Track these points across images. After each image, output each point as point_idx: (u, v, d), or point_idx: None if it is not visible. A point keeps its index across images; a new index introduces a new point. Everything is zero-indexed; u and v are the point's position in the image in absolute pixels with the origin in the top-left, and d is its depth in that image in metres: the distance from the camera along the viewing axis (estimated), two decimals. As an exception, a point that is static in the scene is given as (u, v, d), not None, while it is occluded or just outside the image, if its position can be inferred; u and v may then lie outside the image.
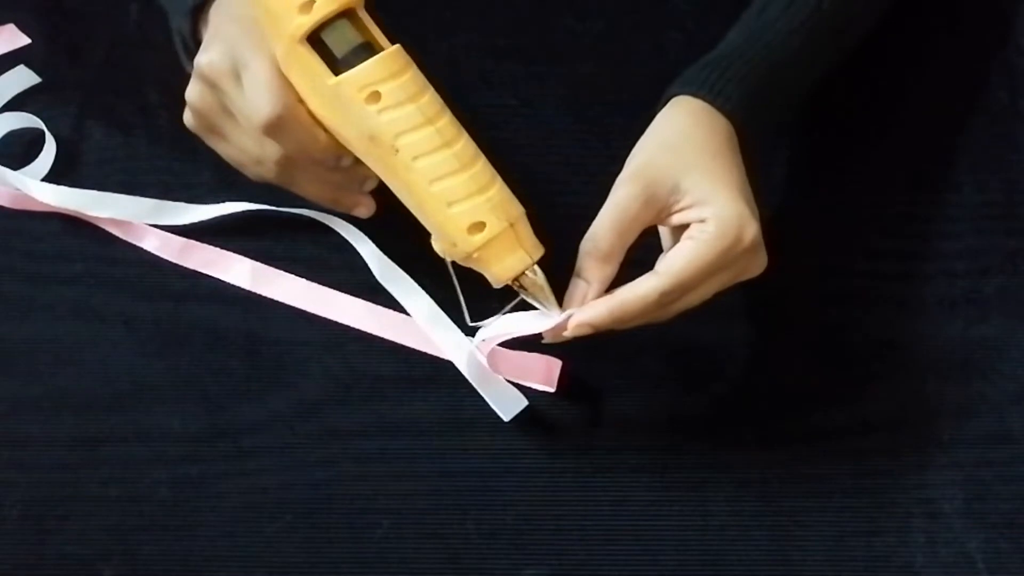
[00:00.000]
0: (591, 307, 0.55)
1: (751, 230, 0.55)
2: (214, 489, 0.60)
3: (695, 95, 0.59)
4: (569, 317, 0.55)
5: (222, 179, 0.70)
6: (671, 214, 0.56)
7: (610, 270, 0.55)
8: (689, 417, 0.62)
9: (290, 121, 0.57)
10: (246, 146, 0.61)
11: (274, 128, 0.57)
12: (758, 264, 0.57)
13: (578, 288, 0.56)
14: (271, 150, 0.60)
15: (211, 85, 0.59)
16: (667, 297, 0.54)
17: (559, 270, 0.57)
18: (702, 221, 0.55)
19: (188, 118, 0.62)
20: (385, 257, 0.66)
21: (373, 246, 0.66)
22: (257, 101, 0.57)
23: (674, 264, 0.54)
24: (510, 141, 0.71)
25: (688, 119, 0.58)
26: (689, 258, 0.54)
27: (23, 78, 0.75)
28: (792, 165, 0.71)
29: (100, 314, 0.66)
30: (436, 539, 0.58)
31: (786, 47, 0.62)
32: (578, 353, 0.63)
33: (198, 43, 0.62)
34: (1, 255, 0.68)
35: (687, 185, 0.55)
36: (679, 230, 0.56)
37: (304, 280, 0.66)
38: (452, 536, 0.58)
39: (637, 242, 0.56)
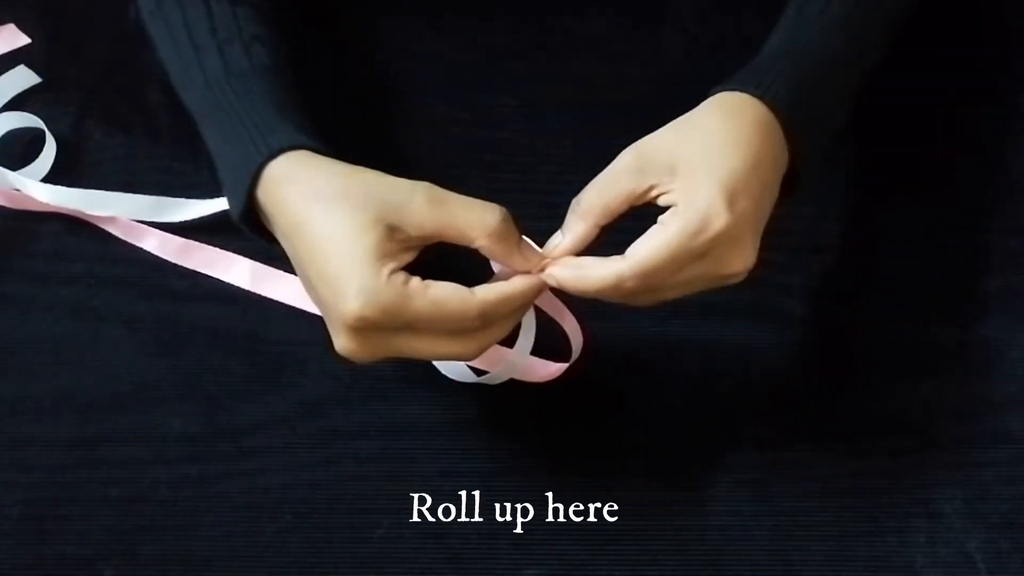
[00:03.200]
0: (559, 263, 0.54)
1: (720, 221, 0.52)
2: (214, 489, 0.60)
3: (732, 89, 0.57)
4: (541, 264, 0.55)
5: (222, 179, 0.70)
6: (660, 194, 0.54)
7: (583, 228, 0.54)
8: (689, 417, 0.62)
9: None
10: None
11: (485, 320, 0.53)
12: (740, 262, 0.54)
13: (552, 238, 0.55)
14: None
15: (374, 328, 0.53)
16: (626, 282, 0.53)
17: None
18: (676, 206, 0.53)
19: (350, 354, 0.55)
20: None
21: None
22: (456, 313, 0.53)
23: (637, 251, 0.53)
24: (510, 141, 0.71)
25: (713, 107, 0.57)
26: (652, 245, 0.53)
27: (23, 78, 0.75)
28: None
29: (100, 314, 0.66)
30: (436, 539, 0.58)
31: (829, 44, 0.61)
32: (579, 353, 0.63)
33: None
34: (1, 255, 0.68)
35: (681, 168, 0.54)
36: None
37: (304, 280, 0.66)
38: (452, 536, 0.58)
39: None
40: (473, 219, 0.53)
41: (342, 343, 0.53)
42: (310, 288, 0.55)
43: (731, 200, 0.53)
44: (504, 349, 0.59)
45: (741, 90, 0.57)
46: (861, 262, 0.68)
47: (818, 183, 0.70)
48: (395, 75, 0.75)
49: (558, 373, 0.62)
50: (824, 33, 0.62)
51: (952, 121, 0.74)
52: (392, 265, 0.52)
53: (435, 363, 0.63)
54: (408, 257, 0.53)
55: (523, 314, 0.56)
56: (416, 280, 0.52)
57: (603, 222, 0.55)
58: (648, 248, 0.53)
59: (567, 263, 0.54)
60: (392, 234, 0.52)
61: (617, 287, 0.53)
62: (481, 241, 0.53)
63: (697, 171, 0.54)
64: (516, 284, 0.54)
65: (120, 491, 0.60)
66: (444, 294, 0.52)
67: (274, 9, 0.65)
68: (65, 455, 0.61)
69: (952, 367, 0.64)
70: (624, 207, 0.55)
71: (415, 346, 0.53)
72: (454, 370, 0.62)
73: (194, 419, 0.62)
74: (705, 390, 0.63)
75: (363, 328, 0.52)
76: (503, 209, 0.53)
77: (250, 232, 0.58)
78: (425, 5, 0.78)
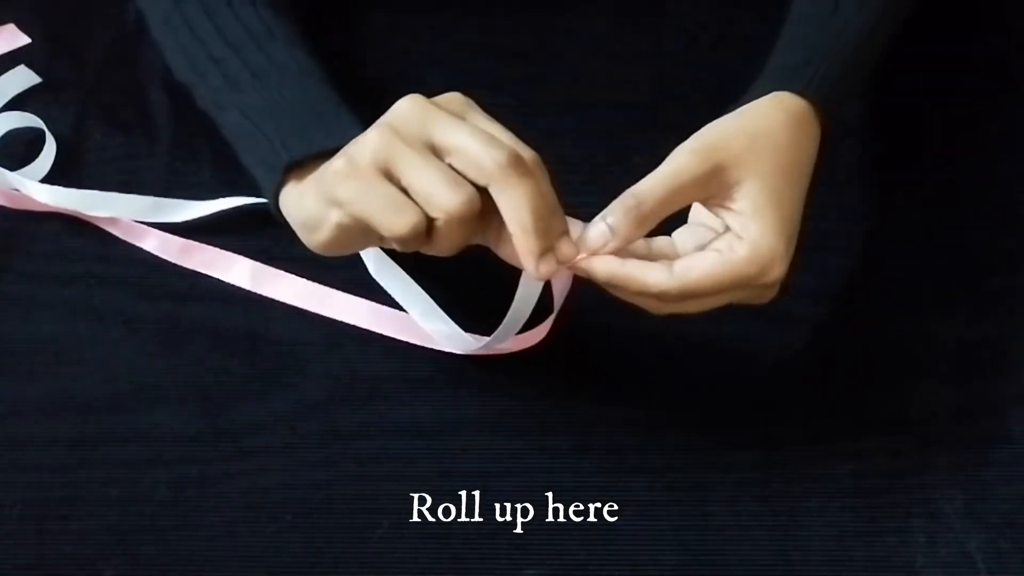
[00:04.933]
0: (600, 259, 0.53)
1: (778, 269, 0.53)
2: (214, 489, 0.60)
3: (799, 93, 0.57)
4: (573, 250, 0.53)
5: (222, 178, 0.71)
6: (719, 206, 0.54)
7: (640, 233, 0.53)
8: (689, 417, 0.62)
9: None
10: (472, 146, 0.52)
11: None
12: (767, 298, 0.56)
13: (601, 234, 0.53)
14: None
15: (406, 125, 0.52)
16: (667, 297, 0.53)
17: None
18: (739, 238, 0.53)
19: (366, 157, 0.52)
20: (383, 253, 0.66)
21: None
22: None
23: (690, 272, 0.53)
24: (510, 141, 0.71)
25: (784, 121, 0.56)
26: (706, 272, 0.53)
27: (23, 78, 0.75)
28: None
29: (100, 314, 0.66)
30: (436, 539, 0.58)
31: (861, 44, 0.61)
32: (579, 353, 0.63)
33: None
34: (1, 255, 0.68)
35: (747, 189, 0.53)
36: (706, 214, 0.55)
37: (304, 279, 0.66)
38: (452, 536, 0.58)
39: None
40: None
41: (370, 136, 0.52)
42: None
43: (788, 247, 0.54)
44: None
45: (806, 97, 0.56)
46: (861, 262, 0.68)
47: (819, 183, 0.71)
48: (395, 75, 0.75)
49: (543, 333, 0.62)
50: (860, 34, 0.61)
51: (952, 121, 0.74)
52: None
53: (434, 335, 0.62)
54: None
55: (536, 225, 0.51)
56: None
57: (655, 225, 0.54)
58: (700, 272, 0.52)
59: (600, 259, 0.53)
60: None
61: (659, 296, 0.53)
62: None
63: (765, 207, 0.53)
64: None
65: (120, 491, 0.60)
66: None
67: (290, 10, 0.65)
68: (65, 455, 0.61)
69: (952, 367, 0.64)
70: (678, 209, 0.54)
71: (420, 168, 0.50)
72: (451, 337, 0.62)
73: (194, 419, 0.62)
74: (705, 390, 0.63)
75: (397, 123, 0.51)
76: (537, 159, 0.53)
77: (278, 213, 0.58)
78: (425, 5, 0.78)
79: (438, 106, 0.52)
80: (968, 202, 0.70)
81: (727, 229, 0.54)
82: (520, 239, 0.51)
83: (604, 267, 0.53)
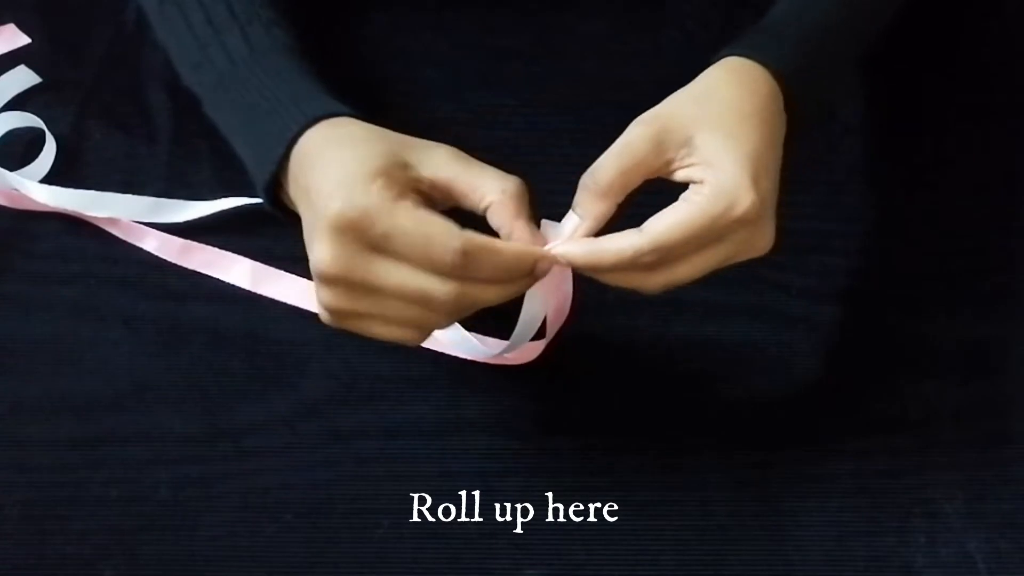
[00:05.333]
0: (572, 242, 0.53)
1: (747, 200, 0.52)
2: (214, 489, 0.60)
3: (744, 56, 0.57)
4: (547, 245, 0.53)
5: (222, 178, 0.71)
6: (678, 168, 0.54)
7: (605, 207, 0.53)
8: (689, 417, 0.62)
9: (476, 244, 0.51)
10: (412, 293, 0.52)
11: (465, 260, 0.51)
12: (761, 243, 0.54)
13: (570, 220, 0.54)
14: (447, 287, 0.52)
15: (339, 282, 0.52)
16: (644, 256, 0.51)
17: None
18: (700, 183, 0.52)
19: (326, 318, 0.54)
20: None
21: None
22: (438, 239, 0.50)
23: (657, 225, 0.52)
24: (510, 141, 0.71)
25: (730, 76, 0.56)
26: (673, 221, 0.52)
27: (23, 78, 0.75)
28: (789, 164, 0.71)
29: (100, 314, 0.66)
30: (436, 539, 0.58)
31: (837, 13, 0.60)
32: (579, 353, 0.63)
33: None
34: (1, 255, 0.68)
35: (699, 141, 0.53)
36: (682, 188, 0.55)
37: (304, 280, 0.66)
38: (452, 536, 0.58)
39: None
40: (490, 177, 0.53)
41: (317, 250, 0.51)
42: (305, 210, 0.54)
43: (755, 180, 0.52)
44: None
45: (752, 57, 0.57)
46: (861, 262, 0.68)
47: (818, 183, 0.71)
48: (395, 75, 0.75)
49: (536, 352, 0.62)
50: (831, 2, 0.61)
51: (952, 121, 0.74)
52: (385, 183, 0.51)
53: (437, 335, 0.62)
54: (409, 195, 0.52)
55: (510, 290, 0.53)
56: (407, 200, 0.51)
57: (620, 200, 0.53)
58: (669, 223, 0.52)
59: (574, 242, 0.53)
60: (402, 168, 0.52)
61: (634, 261, 0.52)
62: (492, 197, 0.52)
63: (721, 149, 0.53)
64: (511, 242, 0.52)
65: (120, 491, 0.60)
66: (430, 217, 0.51)
67: (290, 10, 0.65)
68: (65, 455, 0.61)
69: (952, 367, 0.64)
70: (639, 182, 0.53)
71: (389, 274, 0.51)
72: (453, 338, 0.62)
73: (194, 419, 0.62)
74: (705, 390, 0.63)
75: (342, 230, 0.50)
76: (522, 181, 0.53)
77: (272, 207, 0.58)
78: (425, 5, 0.78)
79: (354, 245, 0.51)
80: (968, 202, 0.70)
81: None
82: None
83: (578, 248, 0.53)
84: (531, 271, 0.53)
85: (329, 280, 0.52)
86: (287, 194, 0.57)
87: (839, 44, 0.61)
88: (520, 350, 0.61)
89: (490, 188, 0.52)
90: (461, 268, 0.50)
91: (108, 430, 0.62)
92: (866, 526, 0.59)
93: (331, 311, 0.53)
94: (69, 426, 0.62)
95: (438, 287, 0.51)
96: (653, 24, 0.77)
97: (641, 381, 0.63)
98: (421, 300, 0.51)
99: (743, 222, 0.52)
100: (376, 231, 0.50)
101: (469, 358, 0.63)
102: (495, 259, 0.51)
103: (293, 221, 0.56)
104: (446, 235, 0.50)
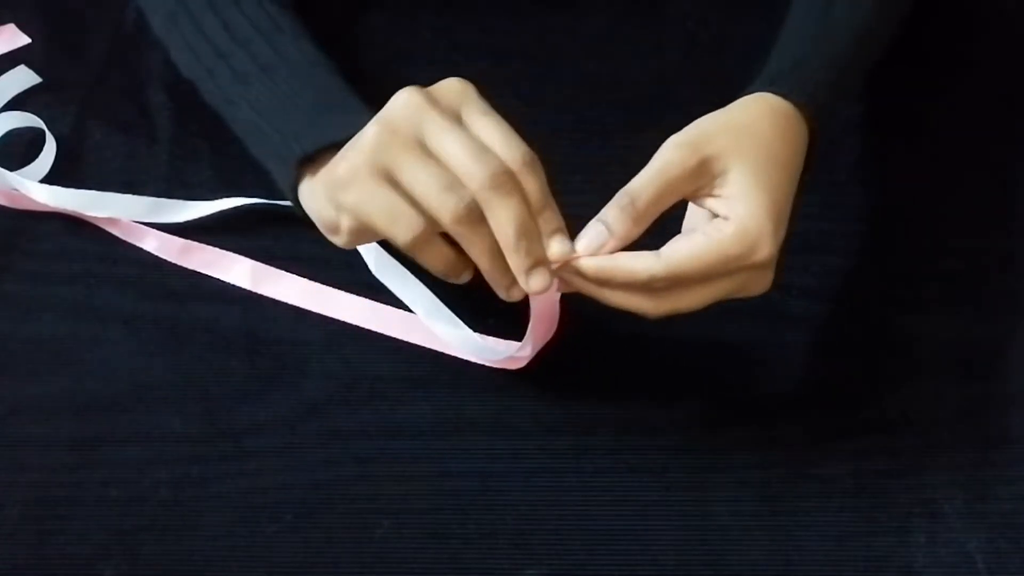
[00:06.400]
0: (589, 257, 0.53)
1: (766, 249, 0.53)
2: (214, 489, 0.60)
3: (783, 95, 0.57)
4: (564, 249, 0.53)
5: (222, 178, 0.71)
6: (706, 196, 0.54)
7: (637, 231, 0.53)
8: (689, 417, 0.62)
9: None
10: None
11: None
12: (762, 285, 0.55)
13: (599, 235, 0.53)
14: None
15: (401, 124, 0.53)
16: (657, 283, 0.52)
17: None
18: (725, 219, 0.53)
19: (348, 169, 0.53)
20: (382, 250, 0.66)
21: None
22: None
23: (676, 253, 0.52)
24: (510, 141, 0.71)
25: (767, 115, 0.56)
26: (693, 253, 0.52)
27: (23, 78, 0.75)
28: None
29: (100, 314, 0.66)
30: (436, 539, 0.58)
31: (854, 46, 0.61)
32: (579, 353, 0.63)
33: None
34: (1, 255, 0.68)
35: (734, 175, 0.53)
36: (700, 215, 0.55)
37: (304, 279, 0.66)
38: (452, 536, 0.58)
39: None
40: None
41: (398, 97, 0.53)
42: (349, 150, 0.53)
43: (776, 227, 0.53)
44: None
45: (790, 99, 0.57)
46: (861, 262, 0.68)
47: (819, 183, 0.71)
48: (395, 75, 0.75)
49: (523, 362, 0.62)
50: (851, 35, 0.61)
51: (952, 121, 0.74)
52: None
53: (439, 335, 0.62)
54: None
55: (519, 244, 0.51)
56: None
57: (651, 223, 0.54)
58: (687, 254, 0.52)
59: (590, 257, 0.53)
60: None
61: (647, 284, 0.52)
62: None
63: (752, 189, 0.53)
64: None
65: (120, 491, 0.60)
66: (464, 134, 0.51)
67: (292, 8, 0.65)
68: (65, 455, 0.61)
69: (952, 367, 0.64)
70: (670, 205, 0.54)
71: (416, 171, 0.51)
72: (454, 337, 0.62)
73: (194, 419, 0.62)
74: (705, 390, 0.63)
75: (393, 122, 0.52)
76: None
77: (298, 208, 0.58)
78: (425, 5, 0.78)
79: (435, 101, 0.52)
80: (968, 202, 0.70)
81: (715, 216, 0.54)
82: (507, 257, 0.52)
83: (593, 262, 0.53)
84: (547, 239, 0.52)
85: (389, 125, 0.52)
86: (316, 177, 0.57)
87: (853, 74, 0.62)
88: (507, 358, 0.61)
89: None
90: (480, 197, 0.51)
91: (108, 430, 0.62)
92: (866, 526, 0.59)
93: (372, 150, 0.52)
94: (69, 426, 0.62)
95: (453, 200, 0.50)
96: (653, 24, 0.77)
97: (641, 381, 0.63)
98: (474, 155, 0.51)
99: (756, 266, 0.53)
100: (420, 123, 0.52)
101: (467, 358, 0.63)
102: (513, 210, 0.51)
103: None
104: (474, 149, 0.51)
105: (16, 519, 0.59)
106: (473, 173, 0.50)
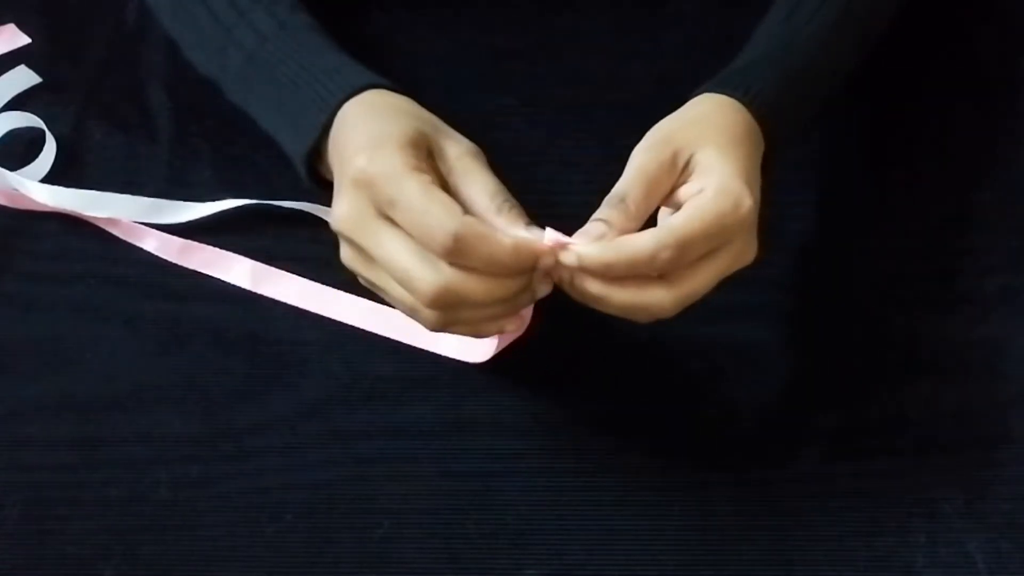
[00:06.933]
0: (588, 245, 0.53)
1: (747, 200, 0.53)
2: (214, 489, 0.60)
3: (727, 94, 0.59)
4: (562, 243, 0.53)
5: (222, 178, 0.71)
6: (680, 184, 0.55)
7: (633, 228, 0.53)
8: (689, 417, 0.62)
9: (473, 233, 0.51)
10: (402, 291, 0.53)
11: (458, 245, 0.50)
12: (751, 251, 0.56)
13: (597, 228, 0.53)
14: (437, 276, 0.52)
15: (350, 241, 0.54)
16: (663, 251, 0.51)
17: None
18: (702, 189, 0.54)
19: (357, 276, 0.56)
20: None
21: None
22: (437, 216, 0.50)
23: (673, 223, 0.52)
24: (510, 141, 0.71)
25: (715, 106, 0.58)
26: (688, 219, 0.52)
27: (23, 78, 0.75)
28: (790, 165, 0.71)
29: (101, 314, 0.66)
30: (436, 539, 0.58)
31: (815, 51, 0.63)
32: (579, 353, 0.63)
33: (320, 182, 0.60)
34: (1, 255, 0.68)
35: (700, 158, 0.55)
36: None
37: (305, 279, 0.66)
38: (452, 536, 0.58)
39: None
40: (491, 189, 0.54)
41: (336, 203, 0.54)
42: (336, 169, 0.56)
43: (749, 186, 0.54)
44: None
45: (732, 95, 0.59)
46: (861, 262, 0.68)
47: (818, 183, 0.71)
48: (395, 75, 0.75)
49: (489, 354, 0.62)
50: (810, 42, 0.63)
51: (952, 121, 0.74)
52: (412, 154, 0.53)
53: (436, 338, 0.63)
54: (428, 175, 0.53)
55: (501, 289, 0.52)
56: (425, 176, 0.52)
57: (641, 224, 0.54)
58: (684, 221, 0.52)
59: (591, 244, 0.53)
60: (427, 152, 0.54)
61: (653, 258, 0.52)
62: (484, 203, 0.53)
63: (718, 161, 0.54)
64: (508, 234, 0.52)
65: (120, 491, 0.60)
66: (439, 195, 0.51)
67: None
68: (65, 455, 0.61)
69: (952, 367, 0.64)
70: (656, 206, 0.55)
71: (386, 243, 0.52)
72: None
73: (194, 419, 0.62)
74: (705, 390, 0.63)
75: (359, 186, 0.52)
76: (510, 199, 0.54)
77: (307, 179, 0.60)
78: (425, 5, 0.78)
79: (369, 204, 0.53)
80: (968, 201, 0.70)
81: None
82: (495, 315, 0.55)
83: (593, 248, 0.52)
84: (530, 267, 0.53)
85: (343, 237, 0.54)
86: (326, 164, 0.58)
87: (816, 78, 0.63)
88: (469, 349, 0.62)
89: (482, 207, 0.54)
90: (453, 253, 0.50)
91: (108, 430, 0.62)
92: (866, 526, 0.59)
93: (348, 267, 0.55)
94: (69, 426, 0.62)
95: (422, 273, 0.51)
96: (653, 24, 0.77)
97: (641, 381, 0.63)
98: (404, 280, 0.52)
99: (745, 224, 0.54)
100: (386, 194, 0.52)
101: (467, 360, 0.63)
102: (491, 249, 0.51)
103: (328, 192, 0.57)
104: (446, 215, 0.50)
105: (16, 519, 0.59)
106: (420, 291, 0.52)
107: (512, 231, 0.53)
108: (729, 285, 0.64)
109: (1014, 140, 0.73)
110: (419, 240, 0.51)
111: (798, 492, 0.60)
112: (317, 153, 0.59)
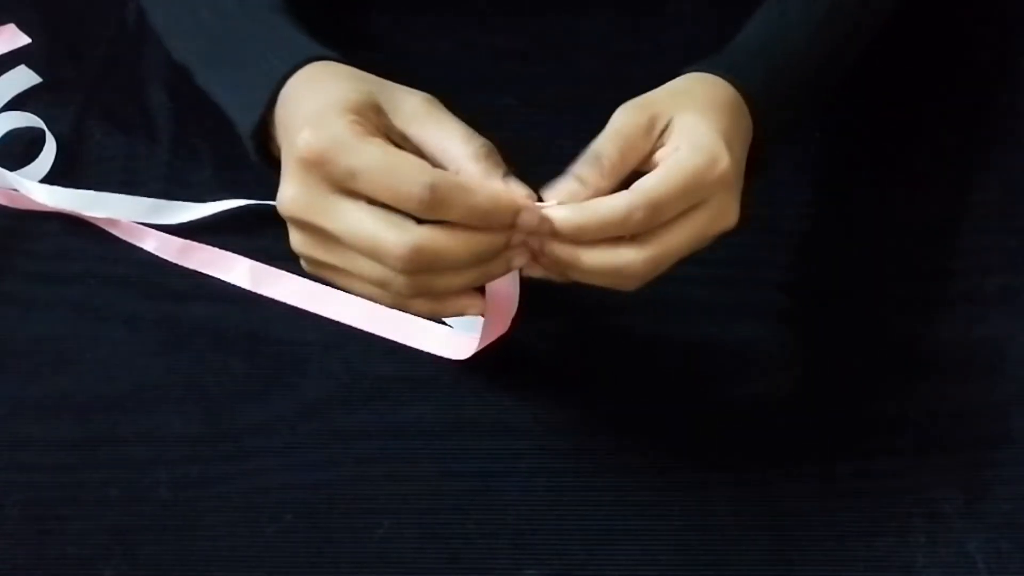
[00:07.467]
0: (562, 206, 0.52)
1: (724, 159, 0.52)
2: (214, 489, 0.60)
3: (711, 71, 0.58)
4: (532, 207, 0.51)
5: (222, 178, 0.71)
6: (658, 148, 0.55)
7: (606, 186, 0.52)
8: (689, 417, 0.62)
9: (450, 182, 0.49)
10: (371, 268, 0.50)
11: (435, 195, 0.48)
12: (731, 213, 0.54)
13: (569, 185, 0.52)
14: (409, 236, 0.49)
15: (303, 225, 0.51)
16: (636, 213, 0.50)
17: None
18: (678, 148, 0.53)
19: (304, 265, 0.54)
20: None
21: None
22: (407, 172, 0.48)
23: (646, 182, 0.52)
24: (510, 141, 0.71)
25: (698, 81, 0.58)
26: (662, 178, 0.51)
27: (23, 78, 0.75)
28: (790, 165, 0.71)
29: (100, 314, 0.66)
30: (436, 539, 0.58)
31: (804, 38, 0.62)
32: (579, 353, 0.63)
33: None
34: (1, 255, 0.68)
35: (677, 123, 0.54)
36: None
37: (305, 279, 0.66)
38: (452, 536, 0.58)
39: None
40: (456, 142, 0.51)
41: (282, 187, 0.50)
42: (282, 150, 0.53)
43: (729, 146, 0.53)
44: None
45: (715, 72, 0.58)
46: (861, 262, 0.68)
47: (817, 183, 0.71)
48: (395, 75, 0.75)
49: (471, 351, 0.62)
50: (798, 29, 0.63)
51: (951, 121, 0.74)
52: (359, 119, 0.50)
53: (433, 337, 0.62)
54: (380, 137, 0.50)
55: (479, 244, 0.50)
56: (377, 138, 0.50)
57: (617, 184, 0.53)
58: (658, 180, 0.51)
59: (561, 206, 0.52)
60: (375, 111, 0.52)
61: (625, 221, 0.50)
62: (459, 150, 0.51)
63: (695, 122, 0.54)
64: (485, 184, 0.50)
65: (120, 491, 0.60)
66: (401, 152, 0.49)
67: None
68: (65, 455, 0.61)
69: (952, 367, 0.64)
70: (632, 168, 0.54)
71: (347, 216, 0.49)
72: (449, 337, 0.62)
73: (194, 419, 0.62)
74: (705, 390, 0.63)
75: (308, 165, 0.49)
76: (489, 144, 0.52)
77: (259, 159, 0.57)
78: (425, 5, 0.78)
79: (321, 180, 0.50)
80: (967, 201, 0.70)
81: None
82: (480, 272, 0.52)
83: (566, 210, 0.51)
84: (510, 222, 0.51)
85: (293, 221, 0.51)
86: (275, 143, 0.56)
87: (807, 72, 0.63)
88: (454, 346, 0.62)
89: (458, 141, 0.51)
90: (430, 206, 0.48)
91: (108, 430, 0.62)
92: (866, 526, 0.59)
93: (302, 257, 0.53)
94: (69, 426, 0.62)
95: (391, 235, 0.48)
96: (653, 24, 0.77)
97: (641, 381, 0.63)
98: (372, 249, 0.49)
99: (722, 182, 0.53)
100: (342, 166, 0.49)
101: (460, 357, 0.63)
102: (469, 200, 0.49)
103: (272, 167, 0.55)
104: (416, 169, 0.48)
105: (16, 519, 0.59)
106: (392, 254, 0.49)
107: (491, 181, 0.51)
108: (729, 285, 0.65)
109: (1014, 140, 0.73)
110: (391, 201, 0.48)
111: (798, 492, 0.60)
112: (267, 131, 0.56)
